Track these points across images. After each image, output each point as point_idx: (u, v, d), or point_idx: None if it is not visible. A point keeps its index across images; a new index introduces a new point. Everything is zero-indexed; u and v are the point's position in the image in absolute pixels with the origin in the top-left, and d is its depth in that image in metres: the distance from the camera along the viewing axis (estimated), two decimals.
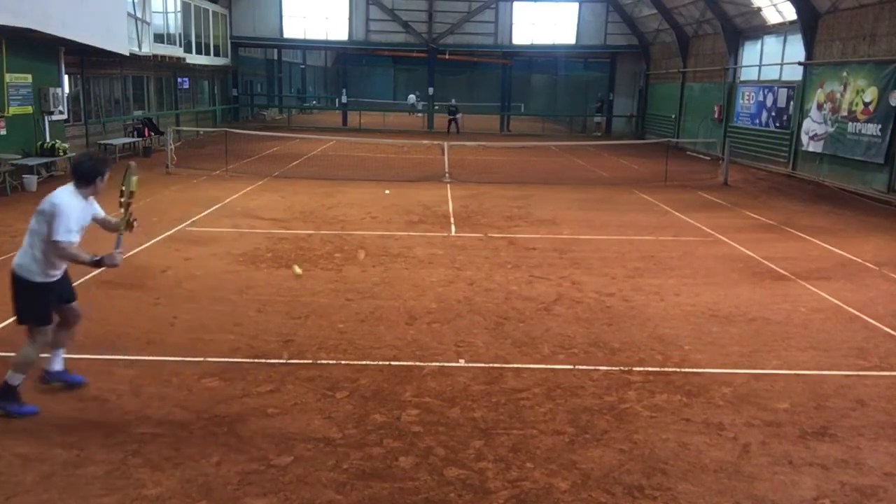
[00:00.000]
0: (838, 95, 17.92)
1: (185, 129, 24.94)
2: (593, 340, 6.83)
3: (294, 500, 4.13)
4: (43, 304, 5.00)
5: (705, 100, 26.67)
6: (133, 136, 21.99)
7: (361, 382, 5.73)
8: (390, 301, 7.83)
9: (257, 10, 32.95)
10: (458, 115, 32.21)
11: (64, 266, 5.13)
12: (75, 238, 4.97)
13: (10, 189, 13.97)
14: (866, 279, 9.36)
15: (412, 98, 43.80)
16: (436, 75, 35.78)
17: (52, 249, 4.89)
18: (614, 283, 8.78)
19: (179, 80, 27.92)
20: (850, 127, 17.33)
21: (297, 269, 8.44)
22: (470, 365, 6.17)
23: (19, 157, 15.05)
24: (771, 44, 22.60)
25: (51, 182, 15.51)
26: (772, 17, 22.03)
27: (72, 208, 4.93)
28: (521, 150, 24.59)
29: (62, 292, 5.21)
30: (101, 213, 5.33)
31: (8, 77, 15.03)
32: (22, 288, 4.93)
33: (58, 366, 5.41)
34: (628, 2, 32.10)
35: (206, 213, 12.54)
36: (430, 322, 7.21)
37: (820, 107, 18.80)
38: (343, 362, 6.13)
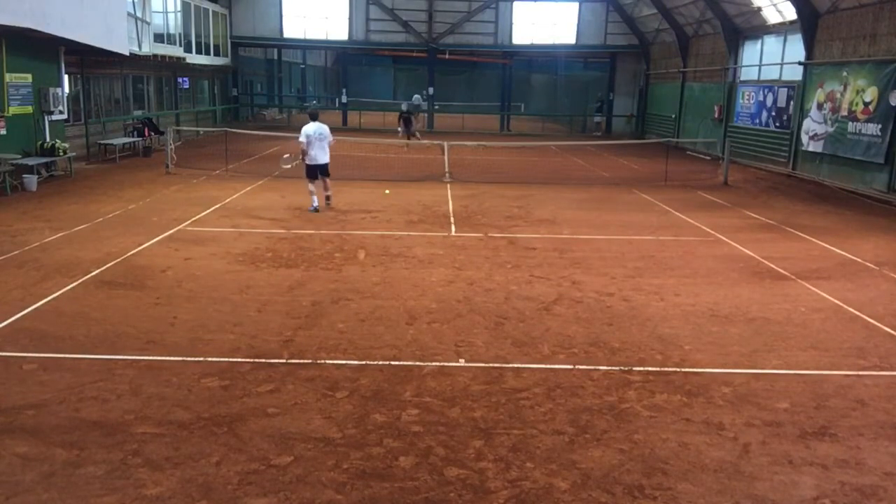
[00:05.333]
0: (838, 95, 17.92)
1: (185, 128, 24.95)
2: (593, 340, 6.83)
3: (294, 500, 4.13)
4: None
5: (705, 100, 26.66)
6: (133, 136, 21.97)
7: (361, 382, 5.73)
8: (390, 301, 7.84)
9: (257, 9, 32.94)
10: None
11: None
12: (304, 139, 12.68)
13: (10, 189, 13.96)
14: (866, 279, 9.36)
15: (416, 98, 43.75)
16: (436, 75, 35.76)
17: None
18: (614, 283, 8.78)
19: (179, 79, 27.92)
20: (850, 127, 17.32)
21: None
22: (470, 365, 6.17)
23: (19, 156, 15.06)
24: (771, 43, 22.59)
25: (51, 182, 15.52)
26: (772, 17, 22.02)
27: (313, 129, 12.70)
28: (521, 149, 24.58)
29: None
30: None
31: (8, 77, 15.03)
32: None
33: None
34: (628, 2, 32.09)
35: (206, 212, 12.55)
36: (430, 322, 7.21)
37: (820, 106, 18.80)
38: (343, 362, 6.13)
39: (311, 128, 12.60)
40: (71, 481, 4.24)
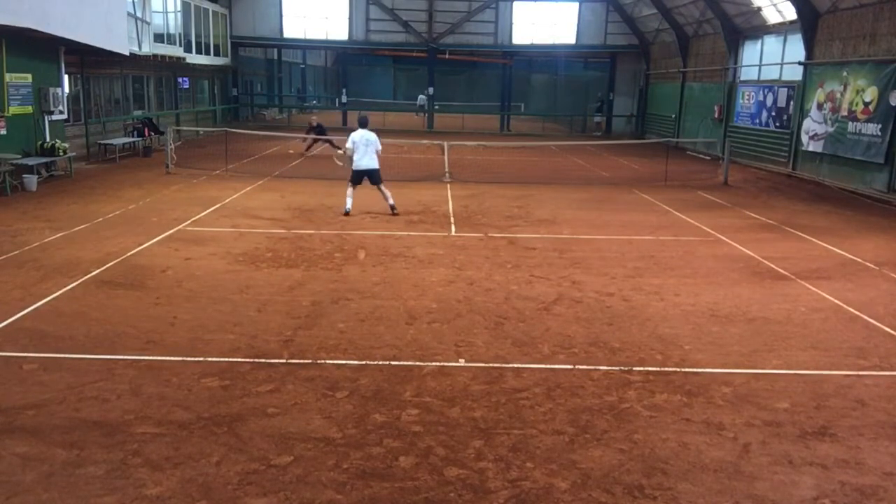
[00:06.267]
0: (838, 95, 17.92)
1: (185, 128, 24.94)
2: (593, 340, 6.83)
3: (294, 500, 4.13)
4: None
5: (705, 99, 26.66)
6: (133, 136, 21.98)
7: (361, 382, 5.73)
8: (390, 301, 7.83)
9: (257, 9, 32.94)
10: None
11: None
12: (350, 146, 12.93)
13: (10, 189, 13.96)
14: (866, 279, 9.35)
15: (421, 99, 43.69)
16: (436, 75, 35.76)
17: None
18: (614, 283, 8.78)
19: (179, 79, 27.92)
20: (850, 127, 17.32)
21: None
22: (470, 365, 6.17)
23: (19, 156, 15.05)
24: (771, 43, 22.60)
25: (51, 182, 15.52)
26: (772, 17, 22.02)
27: (359, 135, 12.81)
28: (521, 149, 24.57)
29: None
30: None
31: (8, 77, 15.03)
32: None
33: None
34: (628, 2, 32.09)
35: (206, 212, 12.55)
36: (430, 322, 7.21)
37: (820, 106, 18.79)
38: (343, 362, 6.13)
39: (357, 134, 12.86)
40: (71, 481, 4.24)
